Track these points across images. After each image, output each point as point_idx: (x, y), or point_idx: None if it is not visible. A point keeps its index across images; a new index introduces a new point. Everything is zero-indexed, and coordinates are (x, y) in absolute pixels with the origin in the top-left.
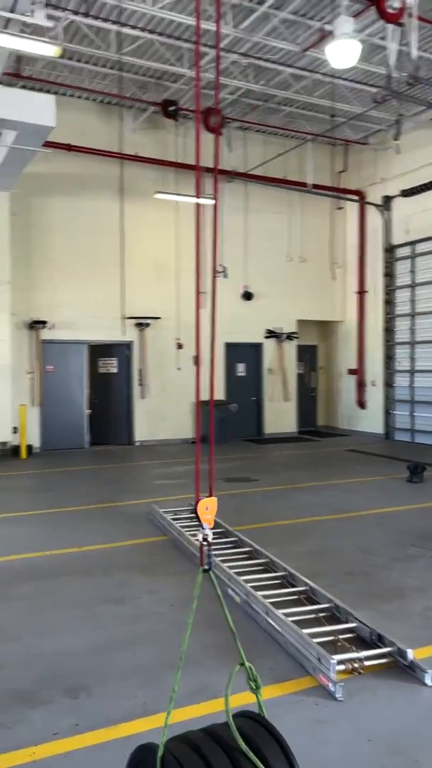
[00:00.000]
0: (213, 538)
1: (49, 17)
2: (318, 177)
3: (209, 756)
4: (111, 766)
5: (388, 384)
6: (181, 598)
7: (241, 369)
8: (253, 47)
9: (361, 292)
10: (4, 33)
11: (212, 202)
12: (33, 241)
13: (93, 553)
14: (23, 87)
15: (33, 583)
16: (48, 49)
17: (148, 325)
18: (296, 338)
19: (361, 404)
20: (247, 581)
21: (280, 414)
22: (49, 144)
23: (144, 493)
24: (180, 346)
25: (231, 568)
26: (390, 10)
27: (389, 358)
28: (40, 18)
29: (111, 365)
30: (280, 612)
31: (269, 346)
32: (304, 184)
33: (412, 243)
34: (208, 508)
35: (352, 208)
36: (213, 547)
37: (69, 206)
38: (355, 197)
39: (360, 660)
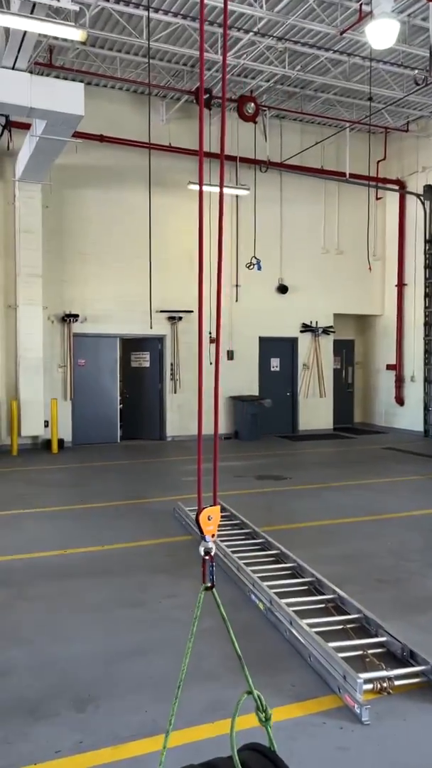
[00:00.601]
0: (239, 540)
1: (76, 2)
2: (356, 166)
3: None
4: None
5: (428, 380)
6: None
7: (275, 364)
8: (289, 30)
9: (401, 285)
10: (28, 18)
11: (246, 192)
12: (65, 234)
13: (115, 552)
14: (56, 77)
15: (52, 583)
16: (73, 33)
17: (180, 318)
18: (332, 332)
19: (400, 401)
20: (271, 587)
21: (315, 410)
22: (81, 135)
23: (172, 489)
24: (212, 340)
25: (255, 572)
26: None
27: (429, 353)
28: (65, 2)
29: (143, 359)
30: (304, 622)
31: (305, 341)
32: (341, 174)
33: None
34: (211, 517)
35: (391, 198)
36: (239, 548)
37: (101, 198)
38: (395, 187)
39: (390, 679)
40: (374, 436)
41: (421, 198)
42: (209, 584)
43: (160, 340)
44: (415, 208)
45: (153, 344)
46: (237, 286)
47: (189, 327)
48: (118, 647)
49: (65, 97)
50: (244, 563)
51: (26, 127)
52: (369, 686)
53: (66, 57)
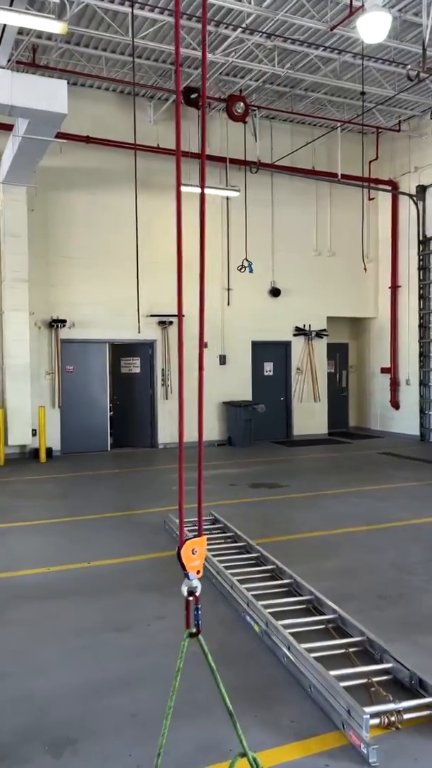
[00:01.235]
0: (233, 554)
1: None
2: (348, 167)
3: None
4: None
5: (424, 383)
6: None
7: (268, 368)
8: (279, 27)
9: (394, 287)
10: (7, 10)
11: (236, 194)
12: (51, 238)
13: (103, 569)
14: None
15: (34, 605)
16: (54, 26)
17: (171, 323)
18: (326, 336)
19: (395, 404)
20: (267, 606)
21: (309, 415)
22: (66, 136)
23: (162, 499)
24: (204, 345)
25: (250, 590)
26: None
27: (424, 355)
28: None
29: (133, 365)
30: (303, 647)
31: (298, 344)
32: (333, 175)
33: None
34: (196, 551)
35: (384, 199)
36: (233, 563)
37: (88, 201)
38: (388, 187)
39: (398, 712)
40: (370, 441)
41: (414, 198)
42: (194, 630)
43: (151, 345)
44: (408, 209)
45: (143, 350)
46: (228, 289)
47: None
48: (101, 679)
49: (47, 94)
50: (238, 580)
51: (9, 128)
52: (376, 721)
53: (50, 56)
